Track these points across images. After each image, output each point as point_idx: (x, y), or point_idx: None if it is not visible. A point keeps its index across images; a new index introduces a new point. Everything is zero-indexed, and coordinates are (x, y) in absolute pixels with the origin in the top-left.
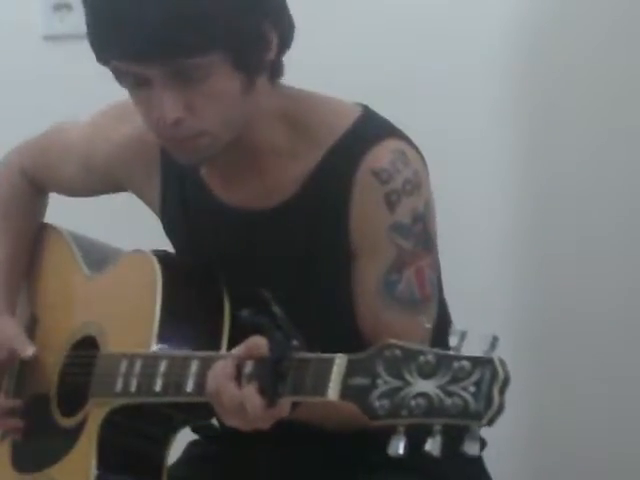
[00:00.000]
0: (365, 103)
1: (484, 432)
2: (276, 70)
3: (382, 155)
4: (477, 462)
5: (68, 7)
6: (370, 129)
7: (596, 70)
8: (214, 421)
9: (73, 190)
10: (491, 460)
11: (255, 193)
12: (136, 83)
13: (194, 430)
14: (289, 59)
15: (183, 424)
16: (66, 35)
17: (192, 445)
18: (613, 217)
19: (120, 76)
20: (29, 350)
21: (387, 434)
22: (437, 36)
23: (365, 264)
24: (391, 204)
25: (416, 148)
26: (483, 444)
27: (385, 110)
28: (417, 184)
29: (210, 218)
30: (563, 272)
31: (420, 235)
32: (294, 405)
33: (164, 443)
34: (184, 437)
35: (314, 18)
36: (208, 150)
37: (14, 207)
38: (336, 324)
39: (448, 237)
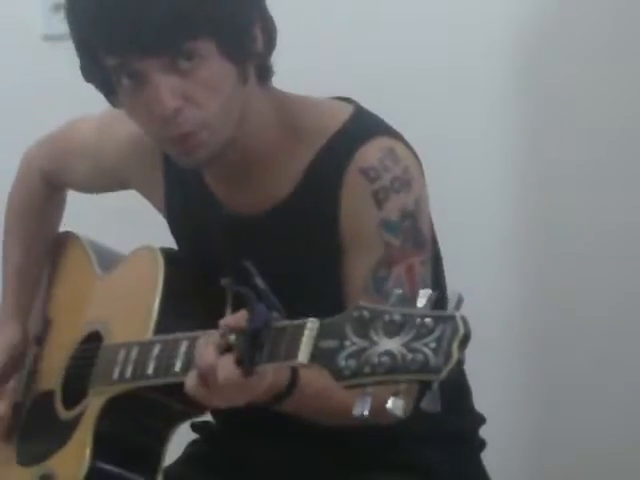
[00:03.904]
0: (364, 102)
1: (484, 432)
2: (264, 71)
3: (370, 153)
4: (476, 462)
5: None
6: (359, 128)
7: (597, 69)
8: (214, 421)
9: (85, 187)
10: (491, 460)
11: (253, 197)
12: (131, 85)
13: (194, 429)
14: (287, 58)
15: (180, 417)
16: (66, 35)
17: (192, 445)
18: (613, 217)
19: (116, 84)
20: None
21: (387, 434)
22: (437, 35)
23: (354, 260)
24: (379, 201)
25: (407, 145)
26: (483, 444)
27: (384, 109)
28: (406, 181)
29: (213, 222)
30: (563, 273)
31: (410, 232)
32: (284, 397)
33: (161, 438)
34: (184, 437)
35: (313, 15)
36: (208, 146)
37: (31, 209)
38: None
39: (448, 238)
